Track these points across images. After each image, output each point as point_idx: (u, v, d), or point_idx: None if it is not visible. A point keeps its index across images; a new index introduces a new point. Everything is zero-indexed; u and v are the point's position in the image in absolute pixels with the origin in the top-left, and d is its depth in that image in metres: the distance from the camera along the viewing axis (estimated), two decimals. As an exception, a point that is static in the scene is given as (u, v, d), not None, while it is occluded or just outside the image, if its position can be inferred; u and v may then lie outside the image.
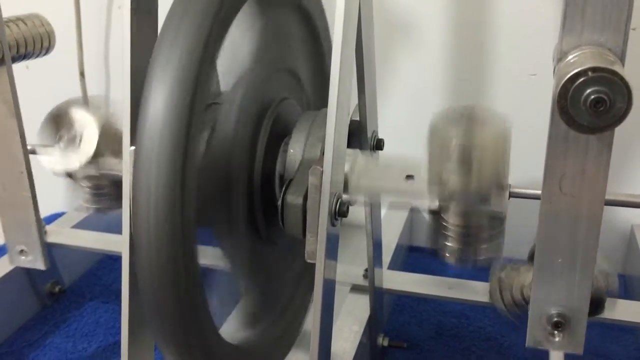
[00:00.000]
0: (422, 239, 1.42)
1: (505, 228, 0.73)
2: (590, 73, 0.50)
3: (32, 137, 0.95)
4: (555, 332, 0.68)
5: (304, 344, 0.85)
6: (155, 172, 0.56)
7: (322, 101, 0.65)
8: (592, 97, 0.50)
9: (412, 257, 1.38)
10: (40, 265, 1.05)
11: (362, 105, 0.78)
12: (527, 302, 0.72)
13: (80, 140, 0.80)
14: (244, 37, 0.76)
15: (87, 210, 0.84)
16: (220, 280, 0.72)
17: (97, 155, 0.80)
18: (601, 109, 0.50)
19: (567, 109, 0.51)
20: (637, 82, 0.52)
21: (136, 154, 0.58)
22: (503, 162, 0.69)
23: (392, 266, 1.18)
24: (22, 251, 1.07)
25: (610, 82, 0.50)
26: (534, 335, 0.70)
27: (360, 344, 0.97)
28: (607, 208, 0.63)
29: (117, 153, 0.79)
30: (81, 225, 1.32)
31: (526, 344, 0.71)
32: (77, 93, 1.40)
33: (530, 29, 1.19)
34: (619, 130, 0.56)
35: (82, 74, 1.41)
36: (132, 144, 0.66)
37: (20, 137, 0.99)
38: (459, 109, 0.72)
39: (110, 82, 1.45)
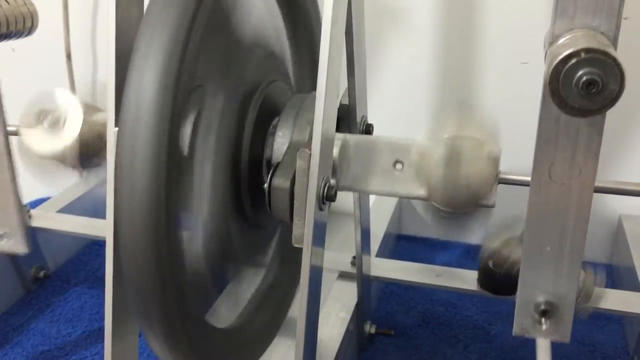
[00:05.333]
0: (410, 228, 1.42)
1: (494, 214, 0.73)
2: (583, 54, 0.49)
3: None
4: (543, 319, 0.68)
5: (291, 329, 0.84)
6: (138, 155, 0.55)
7: (312, 84, 0.64)
8: (585, 78, 0.49)
9: (401, 246, 1.38)
10: (21, 249, 1.02)
11: (351, 89, 0.77)
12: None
13: (64, 123, 0.78)
14: (231, 19, 0.75)
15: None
16: (206, 265, 0.71)
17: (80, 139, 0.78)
18: (593, 90, 0.49)
19: (558, 91, 0.50)
20: (629, 71, 0.52)
21: (119, 135, 0.57)
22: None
23: (381, 254, 1.17)
24: (1, 235, 1.04)
25: (603, 63, 0.49)
26: (521, 322, 0.69)
27: (347, 330, 0.97)
28: (595, 198, 0.63)
29: (102, 137, 0.78)
30: (67, 209, 1.30)
31: (513, 332, 0.70)
32: (64, 75, 1.38)
33: (522, 17, 1.18)
34: (609, 116, 0.55)
35: (68, 57, 1.39)
36: (116, 125, 0.65)
37: (1, 118, 0.96)
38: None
39: (97, 65, 1.44)
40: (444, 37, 1.26)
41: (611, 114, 0.54)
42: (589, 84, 0.49)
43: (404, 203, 1.40)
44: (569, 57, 0.49)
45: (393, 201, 1.37)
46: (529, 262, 0.66)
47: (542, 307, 0.67)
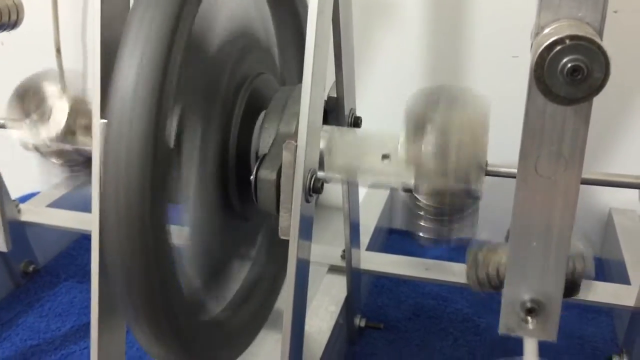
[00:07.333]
0: (401, 221, 1.42)
1: (483, 207, 0.73)
2: (567, 41, 0.48)
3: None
4: (529, 318, 0.66)
5: (278, 323, 0.84)
6: (123, 147, 0.54)
7: (299, 77, 0.64)
8: (569, 65, 0.49)
9: (392, 239, 1.38)
10: (2, 247, 1.02)
11: (339, 82, 0.77)
12: (502, 282, 0.71)
13: (50, 114, 0.78)
14: (219, 11, 0.75)
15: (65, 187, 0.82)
16: (193, 258, 0.70)
17: (67, 130, 0.78)
18: (578, 77, 0.49)
19: (543, 79, 0.50)
20: (619, 63, 0.51)
21: (107, 127, 0.56)
22: (482, 142, 0.68)
23: (371, 247, 1.17)
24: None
25: (587, 50, 0.49)
26: (506, 321, 0.68)
27: (337, 324, 0.97)
28: (585, 191, 0.62)
29: (89, 129, 0.77)
30: (56, 204, 1.30)
31: (499, 331, 0.69)
32: (54, 69, 1.37)
33: (513, 9, 1.18)
34: (602, 110, 0.55)
35: (58, 51, 1.39)
36: (102, 117, 0.64)
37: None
38: (435, 89, 0.71)
39: (87, 59, 1.43)
40: (434, 29, 1.25)
41: (603, 107, 0.53)
42: (574, 70, 0.49)
43: (395, 197, 1.40)
44: (554, 44, 0.49)
45: (384, 195, 1.37)
46: (515, 258, 0.65)
47: (528, 305, 0.66)
